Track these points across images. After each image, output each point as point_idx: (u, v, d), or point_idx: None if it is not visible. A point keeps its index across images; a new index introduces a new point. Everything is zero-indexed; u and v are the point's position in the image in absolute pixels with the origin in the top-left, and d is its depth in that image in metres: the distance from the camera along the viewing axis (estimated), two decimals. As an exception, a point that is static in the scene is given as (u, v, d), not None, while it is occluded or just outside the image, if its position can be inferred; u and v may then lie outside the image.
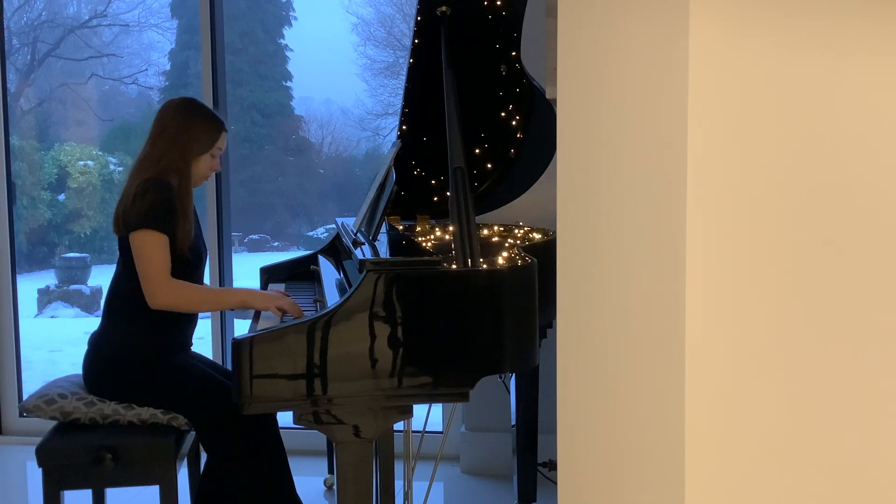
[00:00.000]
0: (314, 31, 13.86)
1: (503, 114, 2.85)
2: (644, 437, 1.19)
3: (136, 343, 2.32)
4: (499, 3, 2.64)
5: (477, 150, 2.90)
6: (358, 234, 2.38)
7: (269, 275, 2.95)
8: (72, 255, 11.06)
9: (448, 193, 2.35)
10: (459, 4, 2.59)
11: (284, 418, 2.10)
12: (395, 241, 2.49)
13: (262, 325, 2.17)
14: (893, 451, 1.13)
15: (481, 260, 1.98)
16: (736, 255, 1.12)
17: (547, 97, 2.76)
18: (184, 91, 12.09)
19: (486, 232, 2.99)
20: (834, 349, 1.12)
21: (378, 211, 2.32)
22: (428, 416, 2.94)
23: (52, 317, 10.04)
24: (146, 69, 12.66)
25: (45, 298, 10.27)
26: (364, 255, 2.03)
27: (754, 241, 1.12)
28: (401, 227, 2.92)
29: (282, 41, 13.85)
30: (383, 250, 2.26)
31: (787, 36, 1.10)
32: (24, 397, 3.43)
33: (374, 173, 2.62)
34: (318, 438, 3.29)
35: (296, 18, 14.05)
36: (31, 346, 7.61)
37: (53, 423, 2.32)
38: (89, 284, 10.60)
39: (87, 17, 12.18)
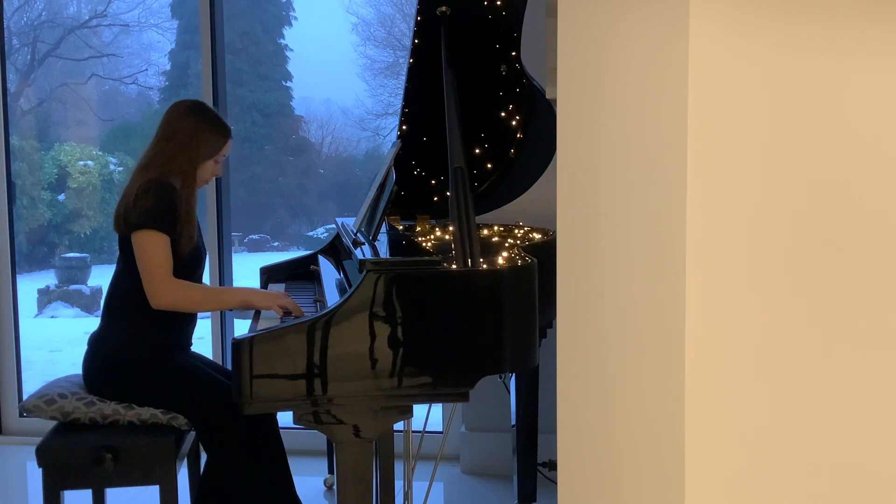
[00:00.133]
0: (314, 31, 13.86)
1: (503, 114, 2.85)
2: (644, 437, 1.19)
3: (136, 343, 2.32)
4: (499, 3, 2.64)
5: (477, 150, 2.90)
6: (358, 234, 2.38)
7: (269, 275, 2.95)
8: (72, 255, 11.06)
9: (448, 193, 2.35)
10: (459, 4, 2.59)
11: (284, 418, 2.10)
12: (395, 241, 2.49)
13: (262, 325, 2.17)
14: (893, 451, 1.13)
15: (481, 260, 1.98)
16: (736, 255, 1.12)
17: (547, 97, 2.76)
18: (184, 91, 12.09)
19: (486, 232, 2.99)
20: (834, 349, 1.12)
21: (378, 211, 2.32)
22: (428, 416, 2.94)
23: (52, 317, 10.04)
24: (146, 69, 12.67)
25: (45, 298, 10.27)
26: (364, 255, 2.03)
27: (754, 241, 1.12)
28: (401, 227, 2.92)
29: (282, 41, 13.85)
30: (383, 250, 2.26)
31: (787, 36, 1.10)
32: (24, 397, 3.43)
33: (374, 173, 2.62)
34: (318, 438, 3.29)
35: (296, 18, 14.05)
36: (31, 346, 7.61)
37: (53, 423, 2.32)
38: (89, 284, 10.60)
39: (87, 17, 12.17)
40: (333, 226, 3.22)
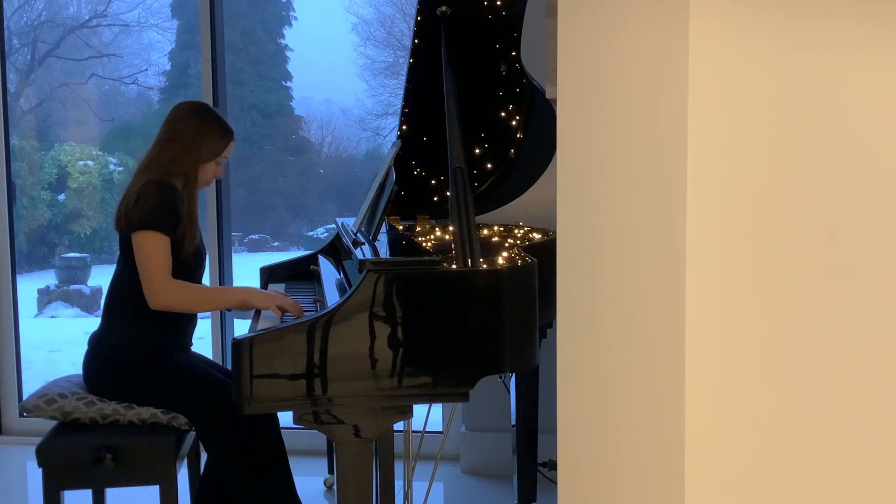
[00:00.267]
0: (314, 31, 13.86)
1: (503, 114, 2.85)
2: (644, 437, 1.19)
3: (136, 343, 2.32)
4: (499, 3, 2.64)
5: (477, 150, 2.90)
6: (358, 234, 2.38)
7: (269, 275, 2.95)
8: (72, 255, 11.06)
9: (448, 193, 2.35)
10: (459, 4, 2.59)
11: (284, 418, 2.10)
12: (395, 241, 2.49)
13: (262, 324, 2.17)
14: (893, 451, 1.13)
15: (481, 260, 1.98)
16: (736, 255, 1.12)
17: (547, 97, 2.76)
18: (184, 91, 12.10)
19: (486, 232, 2.99)
20: (833, 349, 1.12)
21: (378, 211, 2.32)
22: (428, 416, 2.94)
23: (52, 317, 10.04)
24: (146, 69, 12.67)
25: (45, 298, 10.27)
26: (364, 255, 2.03)
27: (754, 241, 1.12)
28: (401, 227, 2.92)
29: (282, 41, 13.85)
30: (383, 250, 2.26)
31: (787, 36, 1.10)
32: (24, 397, 3.43)
33: (374, 173, 2.62)
34: (318, 438, 3.29)
35: (296, 18, 14.06)
36: (31, 346, 7.61)
37: (53, 423, 2.32)
38: (89, 284, 10.60)
39: (87, 17, 12.18)
40: (333, 226, 3.22)
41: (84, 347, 2.41)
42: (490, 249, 2.59)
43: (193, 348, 2.53)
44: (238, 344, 1.84)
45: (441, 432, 3.50)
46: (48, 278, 10.76)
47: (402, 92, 2.85)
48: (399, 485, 2.77)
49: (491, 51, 2.74)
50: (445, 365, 1.90)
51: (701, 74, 1.10)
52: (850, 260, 1.11)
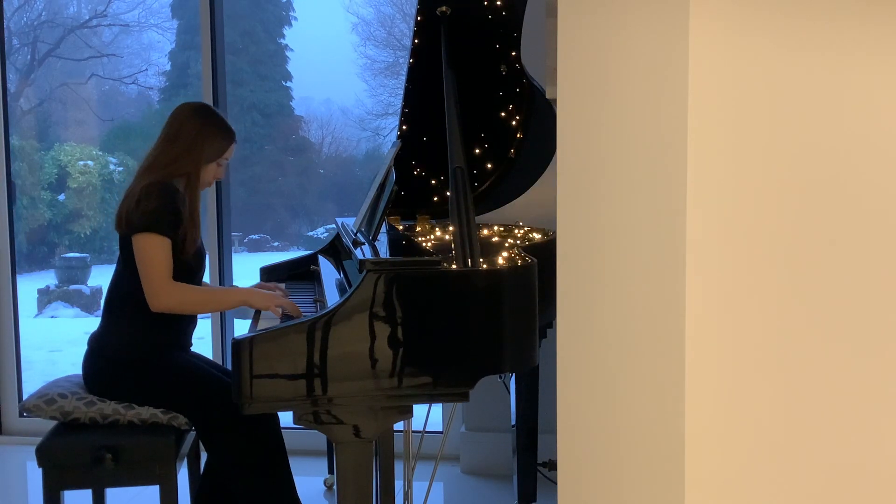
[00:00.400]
0: (314, 31, 13.86)
1: (503, 114, 2.85)
2: (644, 437, 1.19)
3: (136, 343, 2.32)
4: (499, 3, 2.64)
5: (477, 150, 2.90)
6: (358, 234, 2.38)
7: (269, 275, 2.95)
8: (72, 255, 11.06)
9: (448, 193, 2.35)
10: (459, 4, 2.59)
11: (285, 418, 2.10)
12: (395, 241, 2.49)
13: (263, 324, 2.17)
14: (893, 451, 1.13)
15: (481, 260, 1.98)
16: (736, 255, 1.12)
17: (547, 97, 2.76)
18: (184, 91, 12.10)
19: (486, 232, 2.99)
20: (833, 348, 1.12)
21: (378, 211, 2.32)
22: (428, 416, 2.94)
23: (52, 317, 10.04)
24: (146, 69, 12.67)
25: (45, 298, 10.27)
26: (364, 255, 2.03)
27: (754, 241, 1.12)
28: (401, 227, 2.92)
29: (282, 41, 13.85)
30: (383, 250, 2.26)
31: (787, 36, 1.10)
32: (24, 397, 3.43)
33: (374, 173, 2.62)
34: (318, 438, 3.29)
35: (296, 18, 14.06)
36: (31, 346, 7.61)
37: (53, 423, 2.32)
38: (89, 284, 10.60)
39: (87, 17, 12.18)
40: (333, 226, 3.22)
41: (84, 347, 2.41)
42: (490, 249, 2.59)
43: (193, 348, 2.53)
44: (238, 344, 1.84)
45: (441, 432, 3.50)
46: (48, 278, 10.76)
47: (402, 92, 2.85)
48: (399, 485, 2.77)
49: (491, 51, 2.74)
50: (445, 365, 1.90)
51: (701, 74, 1.10)
52: (849, 260, 1.11)
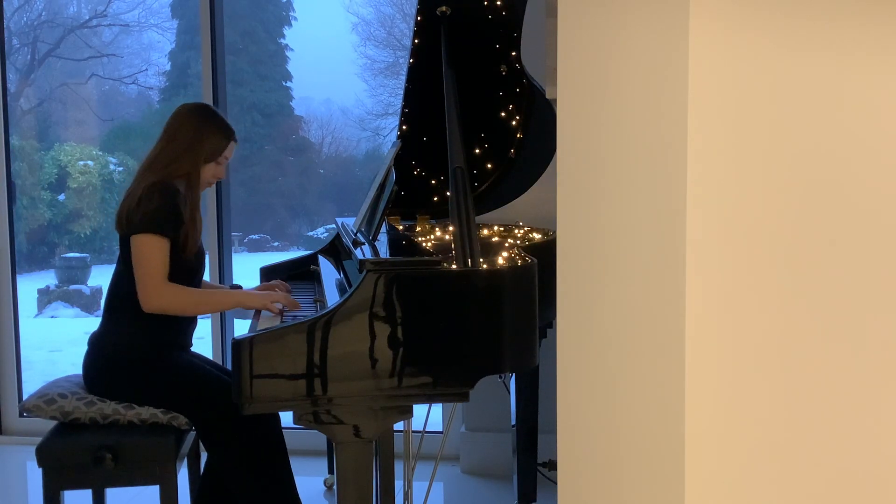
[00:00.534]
0: (314, 31, 13.86)
1: (503, 114, 2.85)
2: (644, 437, 1.19)
3: (136, 343, 2.32)
4: (499, 3, 2.64)
5: (477, 150, 2.90)
6: (358, 234, 2.38)
7: (269, 275, 2.95)
8: (72, 255, 11.06)
9: (448, 193, 2.35)
10: (459, 4, 2.59)
11: (284, 418, 2.10)
12: (395, 241, 2.49)
13: (263, 324, 2.17)
14: (893, 451, 1.13)
15: (481, 260, 1.98)
16: (736, 255, 1.12)
17: (547, 97, 2.76)
18: (184, 91, 12.10)
19: (486, 232, 2.99)
20: (833, 348, 1.12)
21: (378, 211, 2.32)
22: (428, 416, 2.94)
23: (52, 317, 10.04)
24: (146, 69, 12.67)
25: (45, 298, 10.27)
26: (364, 255, 2.03)
27: (754, 241, 1.12)
28: (401, 227, 2.92)
29: (282, 41, 13.85)
30: (383, 250, 2.26)
31: (787, 36, 1.10)
32: (24, 397, 3.43)
33: (374, 173, 2.62)
34: (318, 438, 3.29)
35: (296, 18, 14.06)
36: (31, 346, 7.61)
37: (53, 423, 2.32)
38: (89, 284, 10.60)
39: (87, 17, 12.18)
40: (333, 226, 3.22)
41: (84, 347, 2.41)
42: (490, 249, 2.59)
43: (193, 348, 2.53)
44: (238, 344, 1.84)
45: (441, 432, 3.50)
46: (48, 278, 10.76)
47: (402, 92, 2.85)
48: (399, 485, 2.77)
49: (491, 51, 2.73)
50: (445, 365, 1.90)
51: (701, 74, 1.10)
52: (849, 259, 1.11)
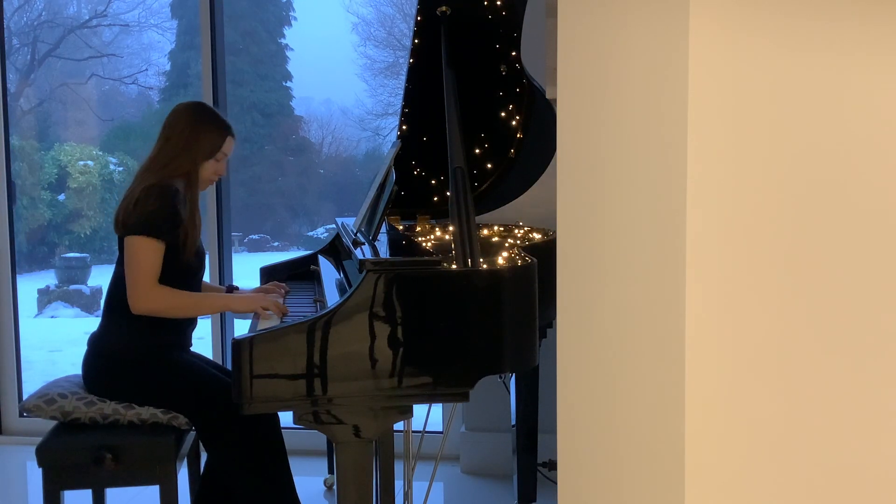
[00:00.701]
0: (314, 31, 13.86)
1: (503, 114, 2.85)
2: (644, 437, 1.19)
3: (135, 343, 2.32)
4: (499, 3, 2.64)
5: (477, 150, 2.90)
6: (358, 234, 2.38)
7: (269, 275, 2.95)
8: (72, 255, 11.06)
9: (448, 193, 2.35)
10: (459, 4, 2.59)
11: (284, 418, 2.10)
12: (395, 241, 2.49)
13: (263, 324, 2.17)
14: (893, 451, 1.13)
15: (481, 260, 1.98)
16: (736, 255, 1.12)
17: (547, 97, 2.77)
18: (184, 91, 12.10)
19: (486, 232, 2.99)
20: (833, 349, 1.12)
21: (378, 211, 2.32)
22: (428, 416, 2.94)
23: (52, 317, 10.04)
24: (146, 69, 12.67)
25: (45, 298, 10.27)
26: (364, 255, 2.03)
27: (754, 241, 1.12)
28: (401, 227, 2.92)
29: (282, 41, 13.85)
30: (383, 250, 2.26)
31: (787, 36, 1.10)
32: (24, 397, 3.43)
33: (374, 173, 2.62)
34: (318, 438, 3.29)
35: (296, 18, 14.06)
36: (31, 346, 7.61)
37: (53, 423, 2.32)
38: (89, 284, 10.60)
39: (87, 17, 12.18)
40: (333, 226, 3.22)
41: (84, 347, 2.41)
42: (490, 249, 2.59)
43: (193, 348, 2.53)
44: (238, 344, 1.84)
45: (441, 432, 3.50)
46: (48, 278, 10.76)
47: (402, 92, 2.85)
48: (399, 485, 2.77)
49: (491, 51, 2.74)
50: (445, 365, 1.90)
51: (701, 74, 1.10)
52: (849, 259, 1.11)
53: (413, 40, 2.69)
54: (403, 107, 2.84)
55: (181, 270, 2.34)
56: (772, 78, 1.10)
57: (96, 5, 12.13)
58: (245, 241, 13.17)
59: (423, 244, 2.72)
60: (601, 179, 1.24)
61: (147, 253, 2.25)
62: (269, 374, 1.84)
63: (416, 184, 2.98)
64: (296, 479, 2.38)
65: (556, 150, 1.31)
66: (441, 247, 2.73)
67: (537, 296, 2.03)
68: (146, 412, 2.27)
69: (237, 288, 2.71)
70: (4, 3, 3.89)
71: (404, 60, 6.92)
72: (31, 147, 11.08)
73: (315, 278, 2.86)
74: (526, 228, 2.95)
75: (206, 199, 3.63)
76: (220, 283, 3.67)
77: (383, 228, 2.66)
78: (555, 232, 2.07)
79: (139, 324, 2.31)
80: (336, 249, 2.84)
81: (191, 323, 2.46)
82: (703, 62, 1.10)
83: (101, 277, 10.47)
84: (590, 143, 1.26)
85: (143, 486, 2.32)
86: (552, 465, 2.96)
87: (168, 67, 12.78)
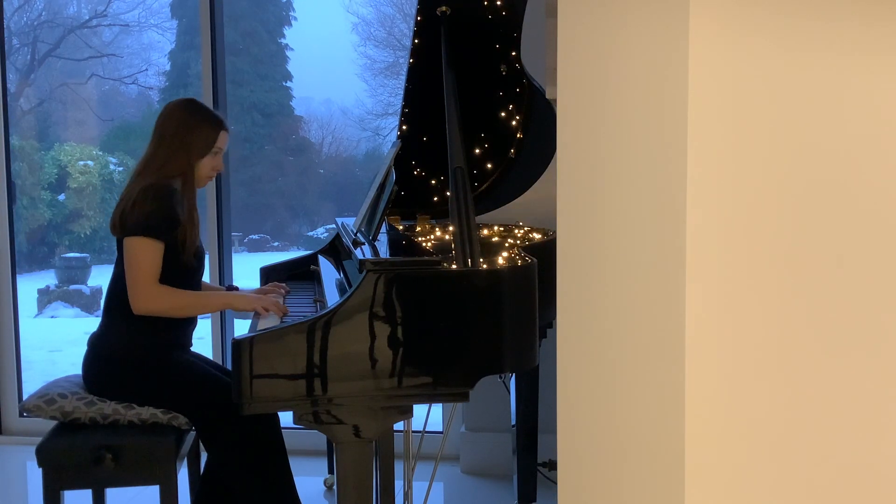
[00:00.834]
0: (314, 31, 13.87)
1: (503, 114, 2.85)
2: (644, 437, 1.19)
3: (135, 343, 2.32)
4: (499, 3, 2.64)
5: (477, 150, 2.90)
6: (358, 234, 2.38)
7: (269, 275, 2.95)
8: (72, 255, 11.06)
9: (448, 193, 2.35)
10: (459, 4, 2.59)
11: (284, 418, 2.10)
12: (395, 241, 2.49)
13: (263, 324, 2.17)
14: (893, 451, 1.13)
15: (481, 260, 1.98)
16: (736, 255, 1.12)
17: (547, 97, 2.76)
18: (184, 91, 12.09)
19: (486, 232, 2.99)
20: (833, 348, 1.12)
21: (378, 211, 2.32)
22: (428, 416, 2.94)
23: (52, 317, 10.04)
24: (146, 69, 12.68)
25: (45, 298, 10.27)
26: (364, 255, 2.03)
27: (754, 241, 1.12)
28: (401, 227, 2.92)
29: (282, 41, 13.86)
30: (383, 250, 2.26)
31: (787, 36, 1.10)
32: (24, 397, 3.43)
33: (374, 173, 2.62)
34: (318, 438, 3.29)
35: (296, 18, 14.06)
36: (31, 346, 7.61)
37: (53, 423, 2.32)
38: (89, 284, 10.61)
39: (87, 17, 12.18)
40: (333, 226, 3.22)
41: (84, 347, 2.41)
42: (490, 249, 2.59)
43: (193, 348, 2.53)
44: (238, 344, 1.84)
45: (441, 432, 3.50)
46: (48, 278, 10.76)
47: (402, 92, 2.85)
48: (399, 485, 2.77)
49: (491, 51, 2.74)
50: (445, 365, 1.90)
51: (701, 74, 1.10)
52: (849, 260, 1.11)
53: (413, 40, 2.69)
54: (403, 107, 2.84)
55: (181, 270, 2.34)
56: (772, 78, 1.10)
57: (96, 5, 12.14)
58: (245, 241, 13.17)
59: (423, 244, 2.72)
60: (601, 179, 1.24)
61: (147, 253, 2.25)
62: (269, 374, 1.84)
63: (416, 184, 2.98)
64: (296, 479, 2.38)
65: (556, 150, 1.31)
66: (441, 247, 2.73)
67: (537, 296, 2.03)
68: (146, 412, 2.27)
69: (237, 288, 2.70)
70: (4, 3, 3.89)
71: (404, 60, 6.92)
72: (31, 147, 11.08)
73: (315, 278, 2.86)
74: (526, 228, 2.95)
75: (206, 199, 3.63)
76: (220, 284, 3.67)
77: (383, 228, 2.66)
78: (555, 232, 2.07)
79: (139, 324, 2.31)
80: (336, 249, 2.84)
81: (191, 323, 2.46)
82: (703, 62, 1.10)
83: (101, 277, 10.47)
84: (590, 143, 1.26)
85: (143, 486, 2.32)
86: (552, 465, 2.96)
87: (168, 67, 12.78)
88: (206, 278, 2.60)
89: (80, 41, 12.03)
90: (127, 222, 2.27)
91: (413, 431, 2.55)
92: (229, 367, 2.05)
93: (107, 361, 2.33)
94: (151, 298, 2.25)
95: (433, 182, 2.98)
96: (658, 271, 1.15)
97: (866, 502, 1.14)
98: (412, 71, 2.76)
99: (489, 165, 2.90)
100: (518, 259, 2.17)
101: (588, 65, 1.25)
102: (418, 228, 2.96)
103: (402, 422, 2.05)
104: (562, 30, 1.28)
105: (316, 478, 3.25)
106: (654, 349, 1.17)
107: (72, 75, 12.06)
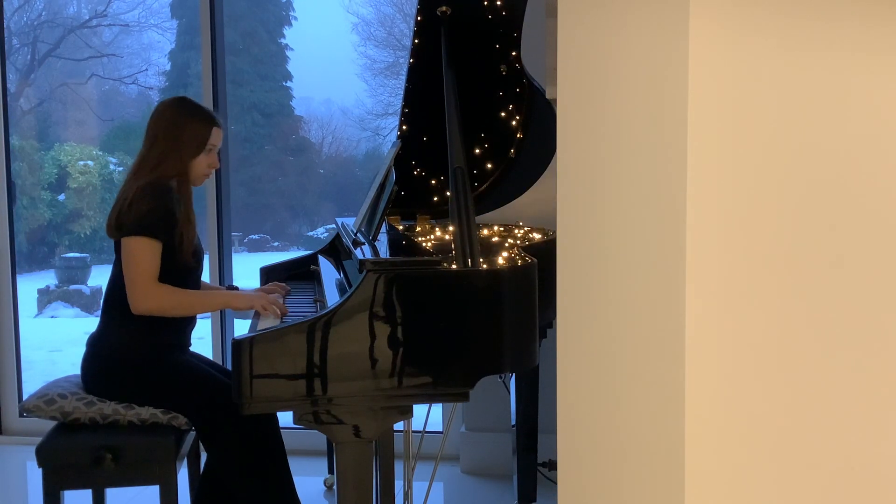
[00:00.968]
0: (314, 31, 13.87)
1: (503, 114, 2.85)
2: (644, 437, 1.19)
3: (134, 343, 2.32)
4: (499, 3, 2.64)
5: (477, 150, 2.90)
6: (358, 234, 2.38)
7: (269, 275, 2.95)
8: (72, 255, 11.06)
9: (448, 193, 2.35)
10: (459, 4, 2.59)
11: (285, 418, 2.10)
12: (395, 241, 2.49)
13: (263, 324, 2.17)
14: (892, 450, 1.13)
15: (481, 260, 1.98)
16: (736, 255, 1.12)
17: (547, 97, 2.76)
18: (184, 91, 12.09)
19: (486, 232, 2.99)
20: (833, 348, 1.12)
21: (378, 211, 2.32)
22: (428, 416, 2.94)
23: (52, 317, 10.04)
24: (146, 69, 12.68)
25: (45, 298, 10.27)
26: (364, 255, 2.03)
27: (754, 241, 1.12)
28: (401, 227, 2.92)
29: (282, 41, 13.86)
30: (383, 250, 2.26)
31: (788, 36, 1.10)
32: (24, 397, 3.43)
33: (374, 173, 2.62)
34: (318, 438, 3.29)
35: (296, 18, 14.07)
36: (31, 346, 7.61)
37: (53, 423, 2.32)
38: (89, 284, 10.61)
39: (87, 17, 12.18)
40: (333, 226, 3.22)
41: (84, 348, 2.41)
42: (490, 249, 2.59)
43: (193, 348, 2.53)
44: (238, 344, 1.84)
45: (441, 432, 3.50)
46: (48, 278, 10.76)
47: (402, 92, 2.85)
48: (399, 485, 2.77)
49: (491, 51, 2.74)
50: (445, 365, 1.90)
51: (701, 74, 1.10)
52: (849, 260, 1.11)
53: (413, 40, 2.69)
54: (403, 107, 2.84)
55: (179, 269, 2.34)
56: (771, 78, 1.10)
57: (96, 5, 12.14)
58: (245, 241, 13.17)
59: (423, 244, 2.72)
60: (601, 179, 1.24)
61: (145, 253, 2.24)
62: (269, 374, 1.84)
63: (416, 184, 2.98)
64: (296, 479, 2.38)
65: (556, 150, 1.31)
66: (441, 247, 2.73)
67: (537, 296, 2.03)
68: (146, 412, 2.27)
69: (237, 288, 2.70)
70: (4, 3, 3.89)
71: (404, 60, 6.92)
72: (31, 147, 11.08)
73: (315, 278, 2.86)
74: (526, 228, 2.95)
75: (206, 199, 3.63)
76: (220, 284, 3.67)
77: (383, 228, 2.66)
78: (555, 232, 2.07)
79: (138, 324, 2.31)
80: (336, 249, 2.84)
81: (190, 323, 2.46)
82: (703, 62, 1.10)
83: (101, 277, 10.47)
84: (590, 143, 1.26)
85: (143, 486, 2.32)
86: (552, 465, 2.96)
87: (168, 67, 12.79)
88: (205, 278, 2.60)
89: (80, 41, 12.03)
90: (124, 222, 2.27)
91: (413, 431, 2.55)
92: (229, 367, 2.05)
93: (106, 362, 2.33)
94: (150, 297, 2.25)
95: (433, 182, 2.98)
96: (658, 271, 1.15)
97: (866, 502, 1.14)
98: (412, 71, 2.76)
99: (489, 165, 2.90)
100: (518, 259, 2.17)
101: (588, 65, 1.25)
102: (418, 228, 2.96)
103: (402, 422, 2.05)
104: (562, 30, 1.28)
105: (316, 478, 3.25)
106: (654, 349, 1.17)
107: (72, 75, 12.06)
